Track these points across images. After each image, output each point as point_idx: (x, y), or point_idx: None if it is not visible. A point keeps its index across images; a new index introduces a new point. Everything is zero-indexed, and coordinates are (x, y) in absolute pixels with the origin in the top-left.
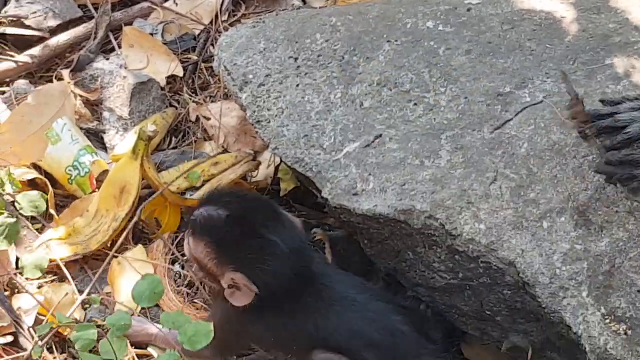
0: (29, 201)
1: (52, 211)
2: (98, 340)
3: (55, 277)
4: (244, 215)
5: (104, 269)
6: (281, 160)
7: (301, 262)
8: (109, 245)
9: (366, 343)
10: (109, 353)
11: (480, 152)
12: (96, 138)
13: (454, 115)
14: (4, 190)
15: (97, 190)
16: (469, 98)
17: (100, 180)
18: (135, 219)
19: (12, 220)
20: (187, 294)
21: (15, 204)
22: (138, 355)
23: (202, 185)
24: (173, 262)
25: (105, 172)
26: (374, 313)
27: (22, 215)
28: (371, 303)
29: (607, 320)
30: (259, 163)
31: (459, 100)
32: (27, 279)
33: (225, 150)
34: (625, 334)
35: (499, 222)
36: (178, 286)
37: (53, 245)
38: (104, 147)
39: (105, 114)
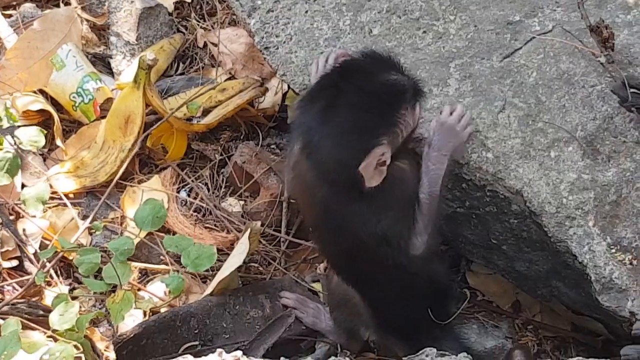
0: (28, 137)
1: (58, 142)
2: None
3: (60, 202)
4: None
5: (111, 196)
6: (289, 87)
7: None
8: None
9: None
10: (113, 278)
11: (489, 80)
12: (103, 63)
13: (463, 44)
14: (1, 125)
15: (101, 117)
16: (479, 26)
17: (104, 108)
18: (135, 149)
19: (11, 155)
20: (197, 219)
21: (15, 138)
22: (141, 273)
23: (209, 111)
24: (179, 190)
25: (110, 99)
26: None
27: (22, 150)
28: None
29: (613, 250)
30: (266, 89)
31: (469, 28)
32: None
33: (232, 77)
34: (631, 263)
35: (507, 151)
36: (187, 210)
37: (61, 178)
38: (111, 73)
39: (113, 38)
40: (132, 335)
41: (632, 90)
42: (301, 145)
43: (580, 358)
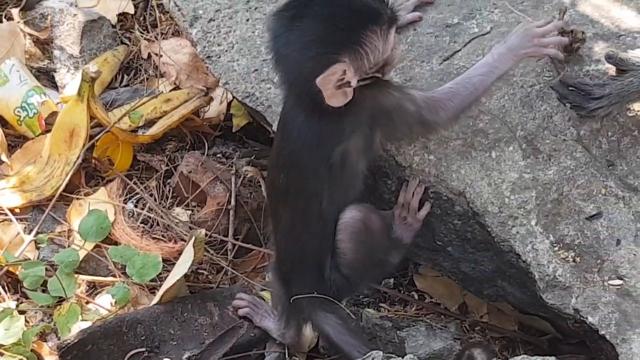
0: None
1: (3, 157)
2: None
3: (7, 217)
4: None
5: (58, 210)
6: (233, 96)
7: None
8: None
9: None
10: (59, 290)
11: (430, 83)
12: (47, 77)
13: (403, 47)
14: None
15: (46, 131)
16: (418, 30)
17: (49, 122)
18: (78, 160)
19: None
20: (144, 229)
21: None
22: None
23: (155, 122)
24: (126, 202)
25: (54, 113)
26: None
27: None
28: None
29: (556, 248)
30: (211, 99)
31: (408, 32)
32: None
33: (177, 87)
34: (574, 261)
35: (448, 153)
36: (135, 222)
37: (6, 193)
38: (55, 86)
39: (56, 52)
40: (76, 340)
41: (570, 88)
42: (270, 54)
43: (525, 356)
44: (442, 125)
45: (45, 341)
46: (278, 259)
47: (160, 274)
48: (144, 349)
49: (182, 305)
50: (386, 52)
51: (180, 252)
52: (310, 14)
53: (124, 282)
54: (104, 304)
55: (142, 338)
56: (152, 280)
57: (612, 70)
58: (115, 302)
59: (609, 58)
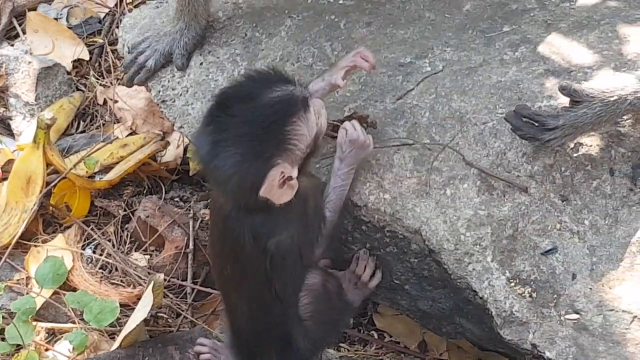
0: None
1: None
2: None
3: None
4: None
5: (16, 258)
6: (189, 140)
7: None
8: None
9: None
10: (16, 338)
11: (383, 122)
12: (3, 125)
13: (357, 87)
14: None
15: (3, 179)
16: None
17: (5, 170)
18: (35, 207)
19: None
20: (102, 275)
21: None
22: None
23: (111, 168)
24: (84, 248)
25: (11, 161)
26: None
27: None
28: None
29: (512, 284)
30: (167, 143)
31: (361, 72)
32: None
33: (133, 132)
34: (530, 296)
35: (403, 191)
36: (93, 268)
37: None
38: (11, 134)
39: (12, 100)
40: None
41: (524, 119)
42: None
43: None
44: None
45: None
46: (237, 339)
47: (119, 319)
48: None
49: (142, 349)
50: (312, 130)
51: (139, 297)
52: (230, 135)
53: (81, 328)
54: (63, 350)
55: None
56: (111, 326)
57: (565, 102)
58: (74, 349)
59: (563, 89)
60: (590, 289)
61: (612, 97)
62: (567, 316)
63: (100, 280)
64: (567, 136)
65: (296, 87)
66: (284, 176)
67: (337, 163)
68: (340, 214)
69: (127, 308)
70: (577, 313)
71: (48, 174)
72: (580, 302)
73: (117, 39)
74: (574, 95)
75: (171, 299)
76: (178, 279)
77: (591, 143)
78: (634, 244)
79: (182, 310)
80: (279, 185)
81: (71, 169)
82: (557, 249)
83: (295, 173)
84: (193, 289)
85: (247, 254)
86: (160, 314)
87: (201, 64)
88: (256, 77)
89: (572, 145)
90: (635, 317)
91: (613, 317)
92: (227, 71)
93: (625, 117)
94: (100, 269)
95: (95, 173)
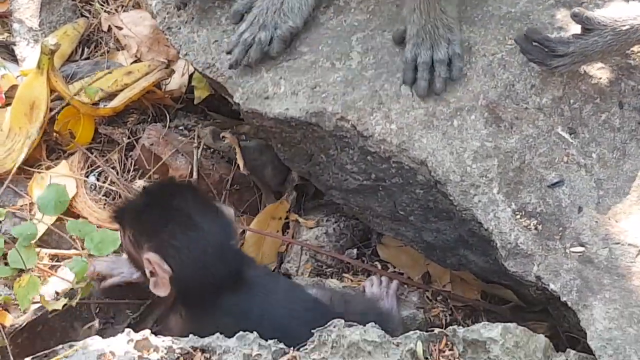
0: None
1: None
2: None
3: None
4: (161, 198)
5: (20, 184)
6: (194, 68)
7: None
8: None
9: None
10: (18, 262)
11: (391, 52)
12: (7, 51)
13: (364, 17)
14: None
15: (6, 104)
16: None
17: (9, 95)
18: (39, 133)
19: None
20: (106, 202)
21: None
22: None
23: (116, 95)
24: (88, 175)
25: (14, 86)
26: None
27: None
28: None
29: (518, 216)
30: (172, 71)
31: (369, 1)
32: None
33: (138, 60)
34: (536, 229)
35: (410, 122)
36: (97, 195)
37: None
38: (15, 60)
39: (15, 25)
40: (24, 324)
41: (534, 43)
42: None
43: (487, 322)
44: None
45: (9, 312)
46: None
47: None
48: (96, 322)
49: None
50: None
51: None
52: None
53: (80, 255)
54: (66, 277)
55: (96, 312)
56: (114, 252)
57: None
58: (75, 276)
59: (575, 16)
60: (596, 222)
61: (624, 26)
62: (572, 249)
63: (104, 207)
64: (575, 63)
65: None
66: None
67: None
68: None
69: None
70: (583, 246)
71: (52, 100)
72: (586, 235)
73: None
74: (586, 23)
75: None
76: None
77: (601, 75)
78: None
79: None
80: None
81: (74, 95)
82: (564, 182)
83: None
84: None
85: None
86: None
87: None
88: None
89: (581, 77)
90: None
91: (619, 250)
92: None
93: (635, 49)
94: (103, 196)
95: (99, 100)
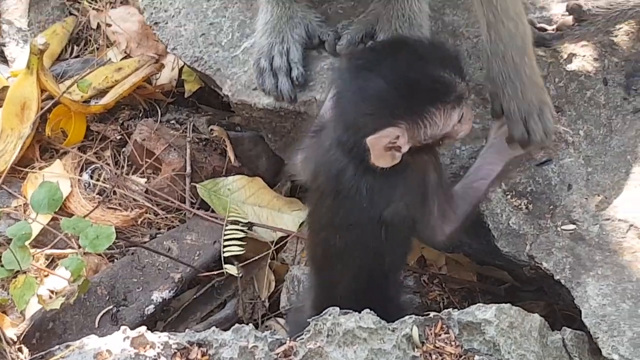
0: None
1: None
2: None
3: None
4: None
5: (14, 185)
6: (183, 62)
7: None
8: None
9: None
10: (13, 263)
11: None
12: None
13: (350, 4)
14: None
15: None
16: None
17: (0, 97)
18: (31, 133)
19: None
20: (100, 200)
21: None
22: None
23: (106, 92)
24: (81, 173)
25: (5, 88)
26: None
27: None
28: None
29: (508, 196)
30: (162, 65)
31: None
32: None
33: (128, 56)
34: (527, 208)
35: None
36: (91, 193)
37: None
38: (5, 61)
39: (4, 26)
40: (32, 323)
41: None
42: (332, 97)
43: (481, 304)
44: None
45: (7, 315)
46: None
47: (117, 242)
48: (111, 307)
49: (137, 253)
50: (446, 127)
51: (136, 221)
52: (381, 72)
53: (76, 253)
54: (64, 276)
55: (106, 298)
56: (109, 249)
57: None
58: (71, 274)
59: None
60: (586, 199)
61: (615, 12)
62: (563, 227)
63: (98, 205)
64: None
65: (462, 84)
66: (395, 142)
67: (486, 146)
68: (474, 203)
69: (124, 231)
70: (573, 223)
71: (43, 100)
72: (576, 213)
73: None
74: (581, 16)
75: (171, 220)
76: (176, 201)
77: (584, 53)
78: (629, 153)
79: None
80: (385, 147)
81: (64, 92)
82: (552, 160)
83: (405, 149)
84: (191, 212)
85: (364, 220)
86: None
87: None
88: (438, 49)
89: (565, 56)
90: (632, 225)
91: (609, 226)
92: None
93: (617, 26)
94: (97, 194)
95: (90, 97)
